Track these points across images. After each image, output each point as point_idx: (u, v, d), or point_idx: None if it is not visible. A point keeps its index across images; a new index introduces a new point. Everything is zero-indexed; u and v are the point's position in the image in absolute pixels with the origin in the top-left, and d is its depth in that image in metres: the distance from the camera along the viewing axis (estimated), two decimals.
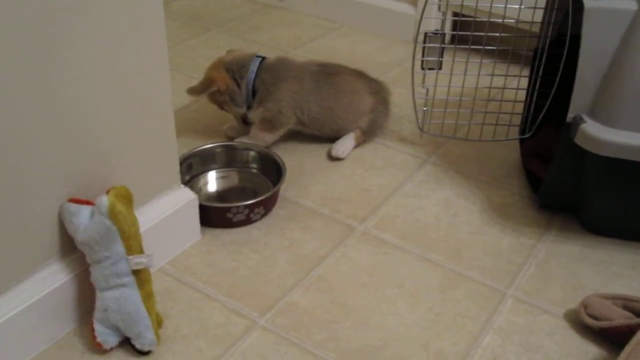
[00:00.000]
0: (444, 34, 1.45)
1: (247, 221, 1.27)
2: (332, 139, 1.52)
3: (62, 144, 0.94)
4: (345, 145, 1.50)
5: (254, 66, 1.45)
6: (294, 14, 2.26)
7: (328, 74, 1.50)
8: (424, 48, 1.44)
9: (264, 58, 1.47)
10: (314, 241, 1.25)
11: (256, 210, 1.27)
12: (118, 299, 0.97)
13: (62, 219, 0.97)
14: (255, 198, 1.26)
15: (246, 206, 1.25)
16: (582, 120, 1.13)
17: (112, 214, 0.94)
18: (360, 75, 1.55)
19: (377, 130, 1.55)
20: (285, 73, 1.46)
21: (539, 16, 1.41)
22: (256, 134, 1.48)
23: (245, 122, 1.52)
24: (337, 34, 2.12)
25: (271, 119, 1.45)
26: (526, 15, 1.40)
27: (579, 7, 1.11)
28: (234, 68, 1.45)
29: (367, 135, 1.54)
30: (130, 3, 0.95)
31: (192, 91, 1.45)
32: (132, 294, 0.98)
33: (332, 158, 1.49)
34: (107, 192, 0.96)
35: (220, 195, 1.38)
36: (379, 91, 1.56)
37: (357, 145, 1.53)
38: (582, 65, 1.10)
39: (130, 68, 0.99)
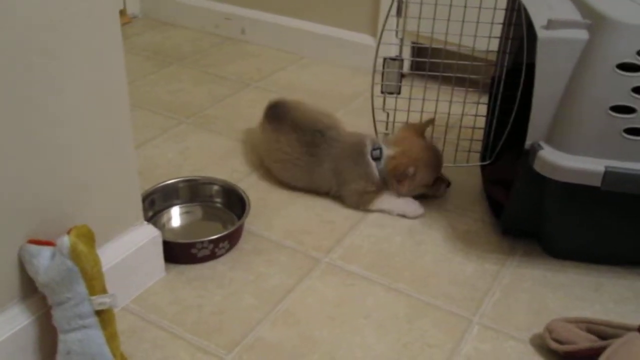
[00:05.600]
0: (402, 60, 1.47)
1: (212, 256, 1.27)
2: None
3: (21, 184, 0.93)
4: None
5: None
6: (255, 46, 2.28)
7: None
8: (383, 73, 1.46)
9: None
10: (279, 274, 1.24)
11: (221, 245, 1.26)
12: (81, 340, 0.95)
13: (22, 260, 0.96)
14: (220, 233, 1.26)
15: (211, 241, 1.24)
16: (539, 147, 1.15)
17: (74, 255, 0.92)
18: None
19: None
20: None
21: (495, 45, 1.44)
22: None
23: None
24: (298, 65, 2.14)
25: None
26: (482, 44, 1.43)
27: (533, 37, 1.14)
28: None
29: None
30: (89, 40, 0.95)
31: None
32: (96, 335, 0.96)
33: None
34: (68, 232, 0.95)
35: (184, 231, 1.37)
36: None
37: None
38: (538, 94, 1.13)
39: (89, 105, 0.99)
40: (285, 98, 1.59)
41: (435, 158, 1.42)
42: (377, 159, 1.39)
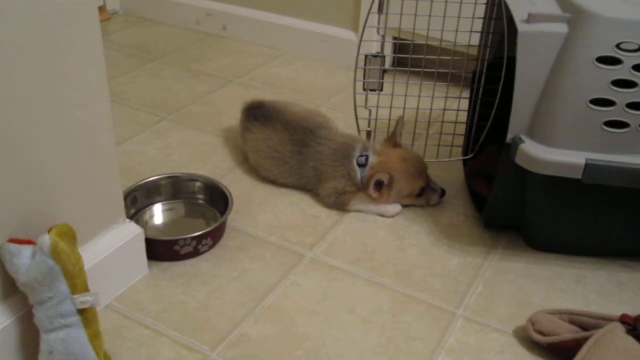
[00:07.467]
0: (384, 56, 1.47)
1: (195, 253, 1.26)
2: None
3: (0, 183, 0.92)
4: None
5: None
6: (237, 42, 2.27)
7: None
8: (364, 70, 1.47)
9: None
10: (263, 270, 1.24)
11: (204, 241, 1.26)
12: (64, 340, 0.95)
13: (2, 260, 0.95)
14: (203, 229, 1.25)
15: (193, 238, 1.24)
16: (521, 140, 1.15)
17: (55, 253, 0.92)
18: None
19: None
20: None
21: (476, 39, 1.44)
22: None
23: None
24: (280, 61, 2.14)
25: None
26: (463, 39, 1.43)
27: (514, 31, 1.15)
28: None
29: None
30: (67, 37, 0.94)
31: None
32: (78, 334, 0.95)
33: None
34: (49, 231, 0.94)
35: (167, 228, 1.37)
36: None
37: None
38: (518, 87, 1.13)
39: (69, 102, 0.98)
40: (265, 98, 1.59)
41: (414, 167, 1.40)
42: (362, 165, 1.39)
